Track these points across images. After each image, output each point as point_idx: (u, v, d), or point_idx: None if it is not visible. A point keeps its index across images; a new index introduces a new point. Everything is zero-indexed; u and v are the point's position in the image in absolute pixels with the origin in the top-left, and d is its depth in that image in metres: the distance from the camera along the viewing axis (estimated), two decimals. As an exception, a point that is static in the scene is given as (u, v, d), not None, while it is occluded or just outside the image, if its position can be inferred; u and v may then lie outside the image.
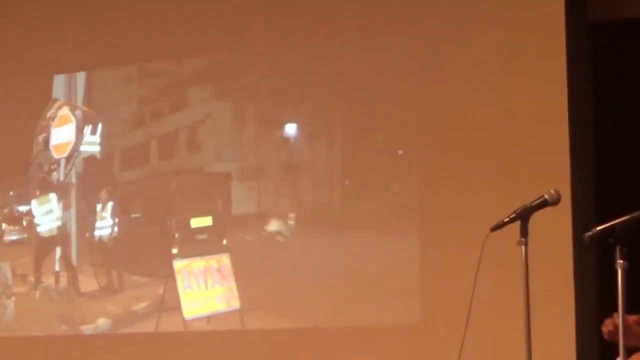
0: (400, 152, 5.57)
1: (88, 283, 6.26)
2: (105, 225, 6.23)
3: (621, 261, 3.17)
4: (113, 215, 6.19)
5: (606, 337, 3.51)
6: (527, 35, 5.34)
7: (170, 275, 5.98)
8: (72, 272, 6.31)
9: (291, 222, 5.80)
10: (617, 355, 3.19)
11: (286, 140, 5.85)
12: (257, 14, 5.94)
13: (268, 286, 5.79)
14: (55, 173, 6.34)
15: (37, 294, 6.35)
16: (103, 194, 6.22)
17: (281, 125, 5.87)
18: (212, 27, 6.02)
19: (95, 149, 6.26)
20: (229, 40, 6.00)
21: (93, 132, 6.25)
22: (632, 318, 3.43)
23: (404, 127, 5.57)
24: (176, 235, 6.01)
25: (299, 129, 5.83)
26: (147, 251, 6.10)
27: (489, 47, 5.41)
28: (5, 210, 6.52)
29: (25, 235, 6.45)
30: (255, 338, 5.80)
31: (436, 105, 5.50)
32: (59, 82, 6.42)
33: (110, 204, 6.20)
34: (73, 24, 6.35)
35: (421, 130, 5.53)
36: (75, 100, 6.38)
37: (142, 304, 6.08)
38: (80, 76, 6.39)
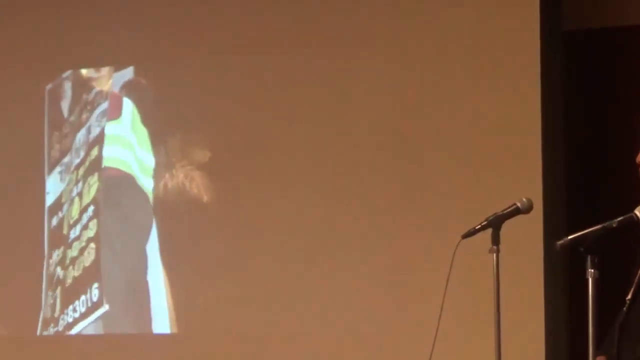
0: (372, 159, 5.56)
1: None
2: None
3: (592, 270, 3.17)
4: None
5: None
6: (501, 44, 5.35)
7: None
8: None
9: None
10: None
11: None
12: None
13: (239, 292, 5.77)
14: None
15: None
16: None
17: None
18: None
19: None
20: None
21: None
22: None
23: (377, 135, 5.56)
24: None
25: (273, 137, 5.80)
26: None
27: (463, 56, 5.41)
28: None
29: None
30: (224, 342, 5.78)
31: (409, 112, 5.50)
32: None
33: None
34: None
35: (394, 137, 5.52)
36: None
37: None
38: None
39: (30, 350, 6.18)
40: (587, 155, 5.49)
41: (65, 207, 6.22)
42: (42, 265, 6.21)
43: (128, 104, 6.12)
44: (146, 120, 6.06)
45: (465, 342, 5.16)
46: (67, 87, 6.30)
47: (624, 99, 5.51)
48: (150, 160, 6.02)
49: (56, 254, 6.20)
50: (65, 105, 6.31)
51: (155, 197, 5.99)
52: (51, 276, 6.18)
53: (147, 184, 6.01)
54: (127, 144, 6.09)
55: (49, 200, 6.27)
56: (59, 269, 6.18)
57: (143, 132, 6.05)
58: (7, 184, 6.28)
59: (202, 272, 5.84)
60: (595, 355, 3.17)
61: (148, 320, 5.97)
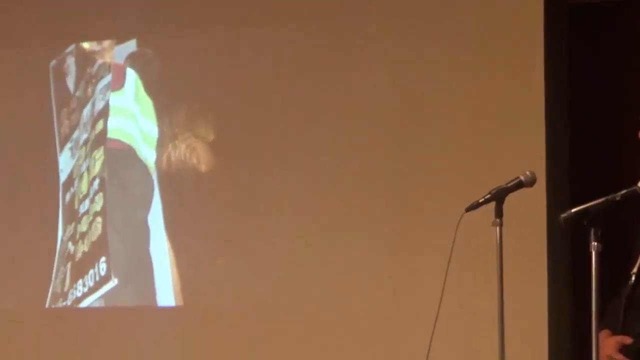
0: (375, 133, 5.56)
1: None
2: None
3: (595, 243, 3.18)
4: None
5: None
6: (506, 18, 5.34)
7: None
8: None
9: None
10: (590, 338, 3.20)
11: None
12: None
13: (243, 264, 5.79)
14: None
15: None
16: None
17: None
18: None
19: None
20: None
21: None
22: (612, 340, 3.40)
23: (380, 111, 5.56)
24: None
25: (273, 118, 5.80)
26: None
27: (466, 30, 5.40)
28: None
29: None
30: (228, 314, 5.80)
31: (412, 87, 5.49)
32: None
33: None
34: None
35: (396, 113, 5.52)
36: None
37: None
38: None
39: (38, 323, 6.21)
40: (591, 128, 5.49)
41: (75, 183, 6.23)
42: (56, 242, 6.23)
43: (131, 74, 6.11)
44: (150, 90, 6.06)
45: (468, 315, 5.18)
46: (71, 62, 6.29)
47: (630, 74, 5.50)
48: (154, 131, 6.01)
49: (68, 230, 6.22)
50: (70, 81, 6.30)
51: (159, 169, 5.99)
52: (63, 251, 6.20)
53: (150, 154, 6.01)
54: (129, 115, 6.08)
55: (63, 177, 6.27)
56: (70, 244, 6.19)
57: (147, 102, 6.04)
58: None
59: (207, 244, 5.85)
60: (598, 328, 3.18)
61: (153, 293, 5.99)
